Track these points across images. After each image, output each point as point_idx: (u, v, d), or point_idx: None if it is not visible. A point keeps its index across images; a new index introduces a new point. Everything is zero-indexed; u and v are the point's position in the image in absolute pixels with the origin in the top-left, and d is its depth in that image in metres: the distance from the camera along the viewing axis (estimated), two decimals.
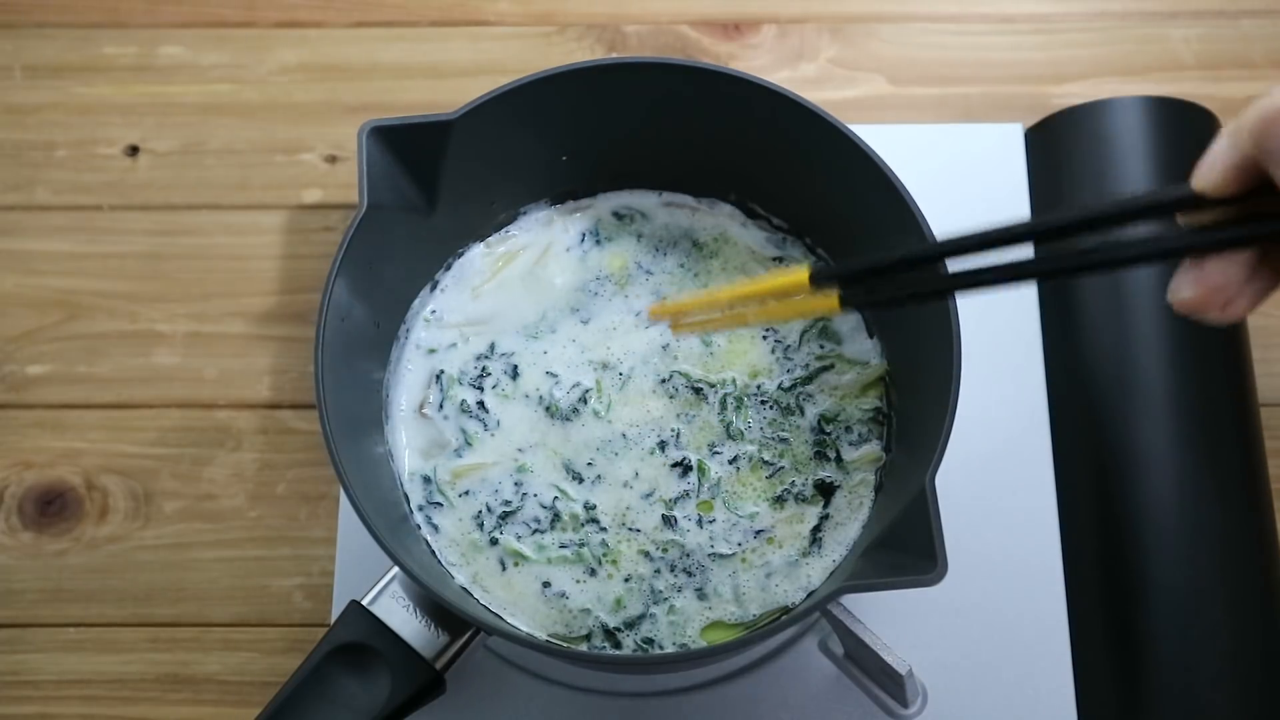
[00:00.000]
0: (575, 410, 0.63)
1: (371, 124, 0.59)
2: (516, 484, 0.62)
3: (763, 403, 0.63)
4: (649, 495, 0.62)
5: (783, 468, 0.62)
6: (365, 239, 0.59)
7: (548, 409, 0.63)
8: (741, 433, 0.63)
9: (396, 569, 0.55)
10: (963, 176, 0.74)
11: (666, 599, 0.60)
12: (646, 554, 0.61)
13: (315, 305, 0.58)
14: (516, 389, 0.64)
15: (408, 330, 0.65)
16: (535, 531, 0.61)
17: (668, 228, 0.67)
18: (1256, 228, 0.43)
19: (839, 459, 0.62)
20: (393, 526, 0.58)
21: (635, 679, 0.67)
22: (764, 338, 0.65)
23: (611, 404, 0.63)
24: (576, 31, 0.83)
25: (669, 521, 0.61)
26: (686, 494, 0.62)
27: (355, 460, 0.57)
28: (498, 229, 0.67)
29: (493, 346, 0.65)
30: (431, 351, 0.65)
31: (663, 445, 0.63)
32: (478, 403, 0.64)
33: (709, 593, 0.60)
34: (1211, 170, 0.43)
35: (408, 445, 0.63)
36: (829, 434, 0.63)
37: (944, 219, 0.60)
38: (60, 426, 0.75)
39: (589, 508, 0.62)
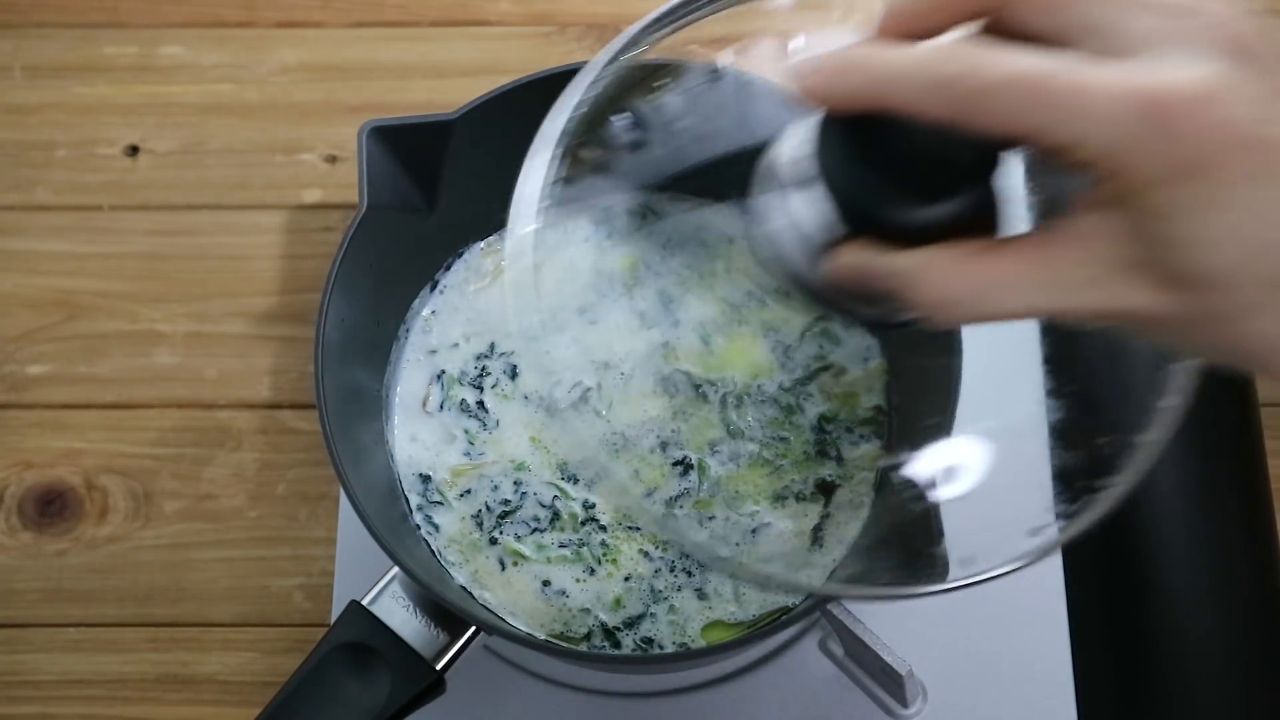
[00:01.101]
0: (575, 410, 0.63)
1: (371, 124, 0.59)
2: (516, 483, 0.62)
3: (763, 401, 0.63)
4: (649, 494, 0.62)
5: (783, 466, 0.62)
6: (365, 239, 0.59)
7: (548, 409, 0.63)
8: (742, 432, 0.63)
9: (396, 569, 0.55)
10: None
11: (666, 598, 0.60)
12: (646, 553, 0.61)
13: (315, 305, 0.58)
14: (516, 389, 0.64)
15: (408, 330, 0.65)
16: (535, 531, 0.61)
17: (677, 226, 0.67)
18: None
19: (839, 458, 0.62)
20: (392, 526, 0.58)
21: (635, 679, 0.67)
22: (764, 337, 0.65)
23: (612, 403, 0.63)
24: (577, 31, 0.83)
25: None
26: (686, 493, 0.62)
27: (355, 460, 0.57)
28: (498, 229, 0.67)
29: (493, 346, 0.65)
30: (432, 351, 0.65)
31: (663, 445, 0.63)
32: (477, 402, 0.64)
33: (709, 592, 0.60)
34: None
35: (408, 445, 0.63)
36: (829, 433, 0.63)
37: None
38: (60, 426, 0.75)
39: (588, 507, 0.62)
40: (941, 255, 0.38)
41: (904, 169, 0.38)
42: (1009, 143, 0.37)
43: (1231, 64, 0.34)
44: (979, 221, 0.41)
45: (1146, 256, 0.35)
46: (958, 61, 0.35)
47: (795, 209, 0.41)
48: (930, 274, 0.39)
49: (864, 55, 0.37)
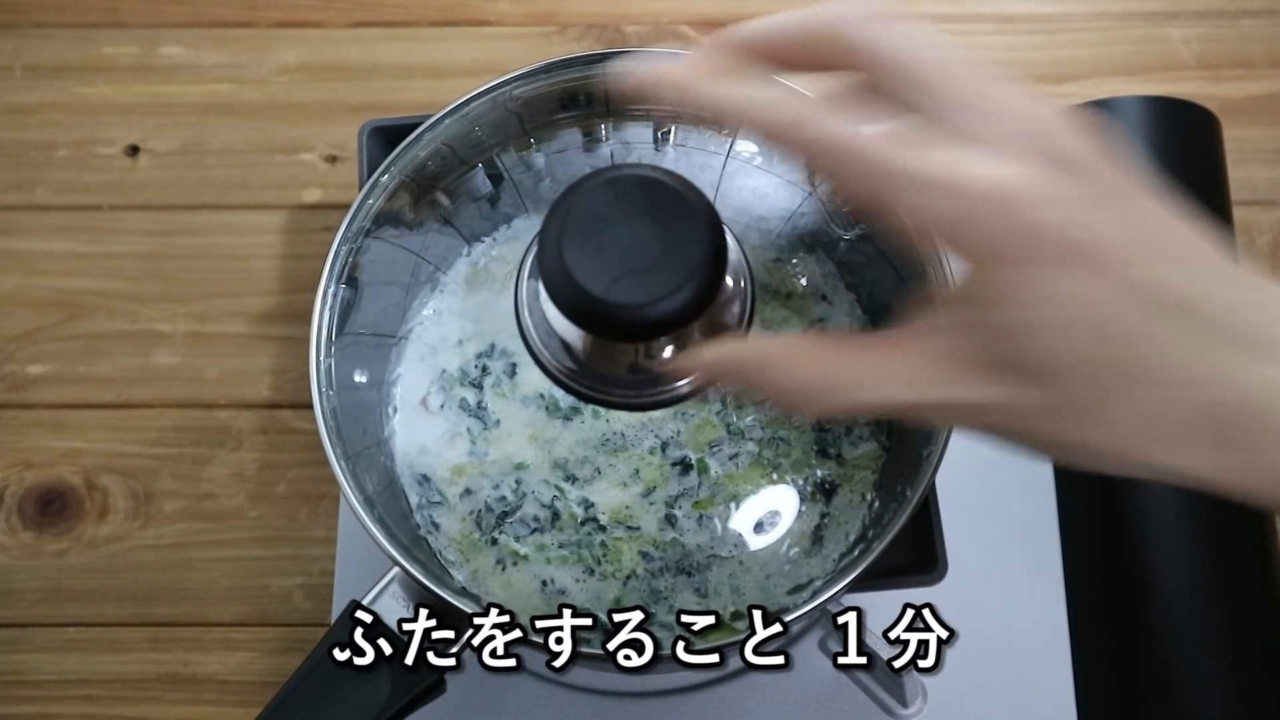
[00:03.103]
0: (575, 409, 0.63)
1: (371, 124, 0.60)
2: (516, 482, 0.62)
3: (763, 401, 0.63)
4: (649, 494, 0.62)
5: (783, 466, 0.62)
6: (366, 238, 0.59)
7: (547, 408, 0.63)
8: (742, 431, 0.63)
9: (396, 569, 0.55)
10: None
11: (666, 598, 0.60)
12: (646, 553, 0.61)
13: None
14: (516, 388, 0.64)
15: (409, 329, 0.65)
16: (534, 530, 0.61)
17: None
18: None
19: (839, 458, 0.62)
20: (393, 526, 0.58)
21: (635, 679, 0.67)
22: (764, 335, 0.65)
23: None
24: (576, 31, 0.83)
25: (669, 521, 0.61)
26: (686, 493, 0.62)
27: (355, 461, 0.57)
28: (499, 227, 0.67)
29: (493, 345, 0.65)
30: (432, 351, 0.65)
31: (663, 445, 0.63)
32: (477, 402, 0.64)
33: (708, 592, 0.60)
34: None
35: (408, 443, 0.63)
36: (829, 432, 0.63)
37: None
38: (60, 426, 0.75)
39: (588, 507, 0.62)
40: (799, 343, 0.39)
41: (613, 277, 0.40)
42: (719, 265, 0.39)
43: (1053, 169, 0.36)
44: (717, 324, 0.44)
45: (990, 348, 0.37)
46: (840, 113, 0.37)
47: (549, 307, 0.43)
48: (787, 362, 0.39)
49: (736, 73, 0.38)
